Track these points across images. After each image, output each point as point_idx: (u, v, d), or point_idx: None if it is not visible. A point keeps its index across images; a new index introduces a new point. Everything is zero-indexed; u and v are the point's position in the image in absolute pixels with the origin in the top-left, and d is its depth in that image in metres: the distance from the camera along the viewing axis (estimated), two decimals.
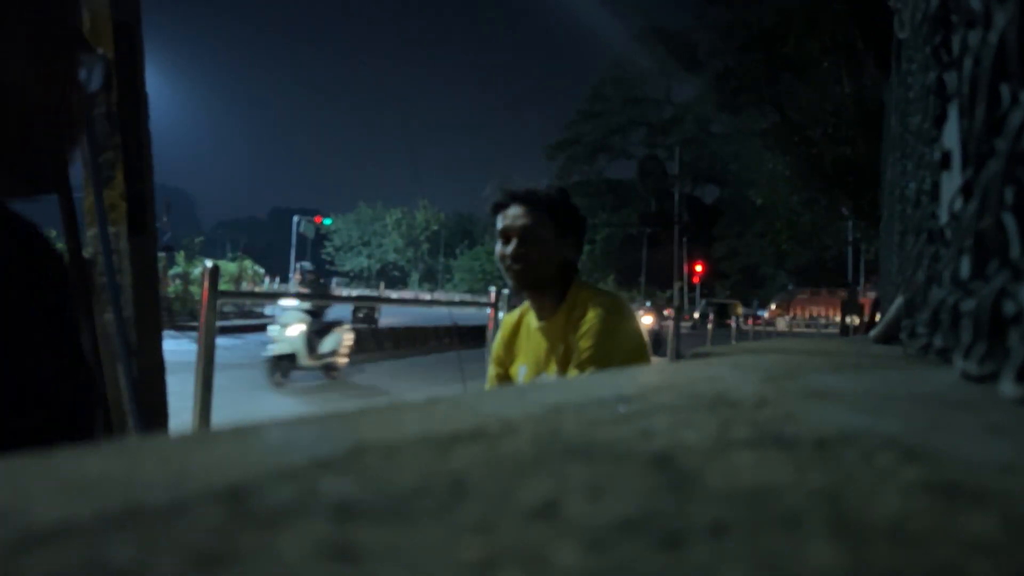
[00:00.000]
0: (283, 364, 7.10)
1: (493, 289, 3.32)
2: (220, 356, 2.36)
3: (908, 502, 0.18)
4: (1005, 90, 0.40)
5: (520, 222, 1.50)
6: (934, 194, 0.71)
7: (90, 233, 1.77)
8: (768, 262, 42.07)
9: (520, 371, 1.60)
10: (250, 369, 7.51)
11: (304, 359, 7.21)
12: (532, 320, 1.60)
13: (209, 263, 2.30)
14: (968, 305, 0.43)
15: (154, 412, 1.73)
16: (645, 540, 0.15)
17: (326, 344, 7.69)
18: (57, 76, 0.63)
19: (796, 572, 0.14)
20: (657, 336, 11.74)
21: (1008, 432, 0.27)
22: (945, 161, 0.61)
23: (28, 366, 0.51)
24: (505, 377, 1.65)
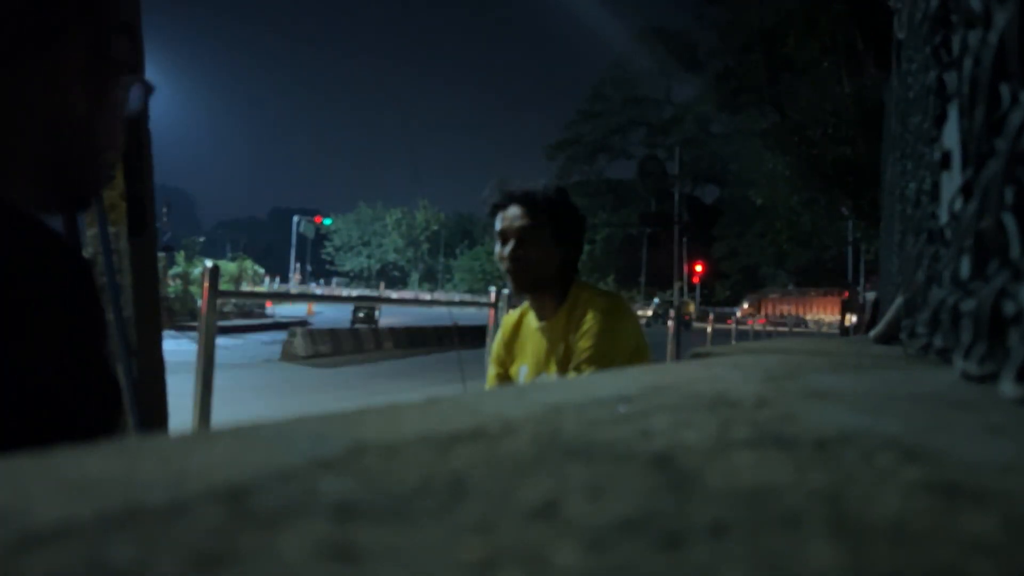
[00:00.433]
0: None
1: (493, 289, 3.32)
2: (220, 356, 2.36)
3: (908, 502, 0.18)
4: (1005, 90, 0.40)
5: (518, 223, 1.50)
6: (934, 194, 0.71)
7: (90, 233, 1.77)
8: (768, 262, 42.07)
9: (521, 371, 1.60)
10: (250, 369, 7.52)
11: None
12: (532, 320, 1.60)
13: (209, 263, 2.30)
14: (968, 305, 0.43)
15: (154, 412, 1.73)
16: (645, 540, 0.15)
17: None
18: (103, 97, 0.64)
19: (796, 572, 0.14)
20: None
21: (1008, 432, 0.27)
22: (945, 161, 0.61)
23: (32, 365, 0.51)
24: (505, 377, 1.65)
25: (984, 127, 0.43)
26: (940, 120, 0.65)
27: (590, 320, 1.46)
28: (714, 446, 0.24)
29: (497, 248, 1.54)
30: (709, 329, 9.86)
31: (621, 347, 1.46)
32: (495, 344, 1.72)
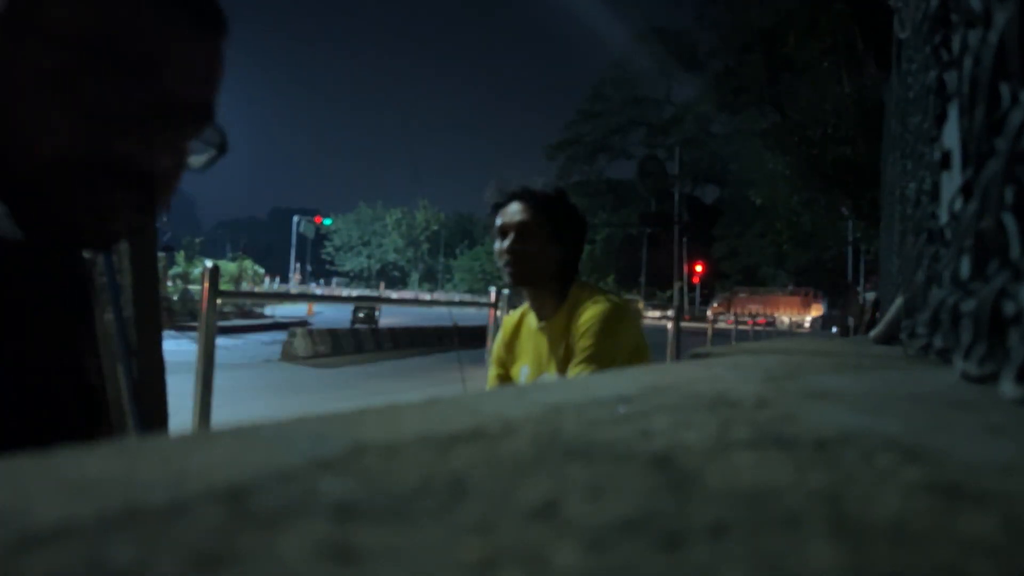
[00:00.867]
0: None
1: (493, 289, 3.32)
2: (220, 356, 2.36)
3: (908, 502, 0.18)
4: (1005, 90, 0.40)
5: (517, 218, 1.51)
6: (934, 194, 0.71)
7: None
8: (768, 262, 42.08)
9: (522, 372, 1.60)
10: (250, 369, 7.52)
11: None
12: (532, 321, 1.60)
13: (209, 263, 2.30)
14: (968, 305, 0.43)
15: (154, 412, 1.73)
16: (645, 540, 0.15)
17: None
18: (178, 150, 0.61)
19: (796, 572, 0.14)
20: None
21: (1008, 432, 0.27)
22: (945, 161, 0.61)
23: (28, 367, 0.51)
24: (506, 378, 1.66)
25: (984, 127, 0.43)
26: (940, 120, 0.65)
27: (590, 319, 1.46)
28: (714, 446, 0.24)
29: (496, 244, 1.55)
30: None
31: (621, 347, 1.46)
32: (496, 345, 1.72)
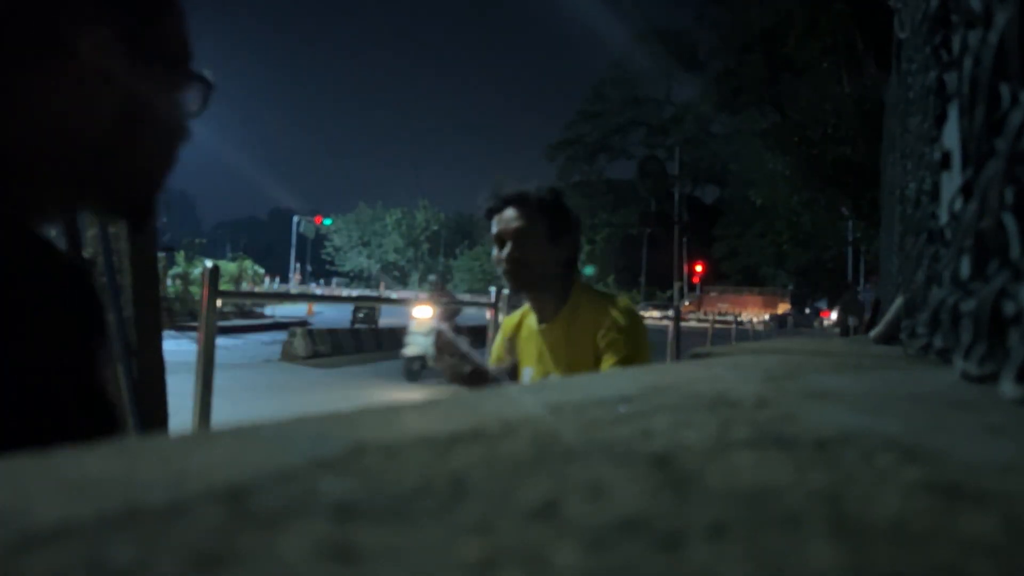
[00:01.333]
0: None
1: (493, 289, 3.32)
2: (220, 356, 2.36)
3: (908, 502, 0.18)
4: (1005, 90, 0.40)
5: (513, 225, 1.50)
6: (934, 194, 0.71)
7: (90, 233, 1.77)
8: (768, 262, 42.09)
9: (525, 373, 1.60)
10: (250, 369, 7.53)
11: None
12: (533, 322, 1.60)
13: (209, 263, 2.30)
14: (968, 305, 0.43)
15: (154, 412, 1.73)
16: (645, 540, 0.15)
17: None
18: (142, 97, 0.60)
19: (796, 572, 0.14)
20: None
21: (1008, 432, 0.27)
22: (945, 161, 0.61)
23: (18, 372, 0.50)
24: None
25: (984, 127, 0.43)
26: (940, 120, 0.65)
27: (616, 319, 1.47)
28: (714, 446, 0.24)
29: (494, 251, 1.55)
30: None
31: (643, 345, 1.48)
32: (495, 346, 1.72)
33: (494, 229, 1.55)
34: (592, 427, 0.27)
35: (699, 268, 43.24)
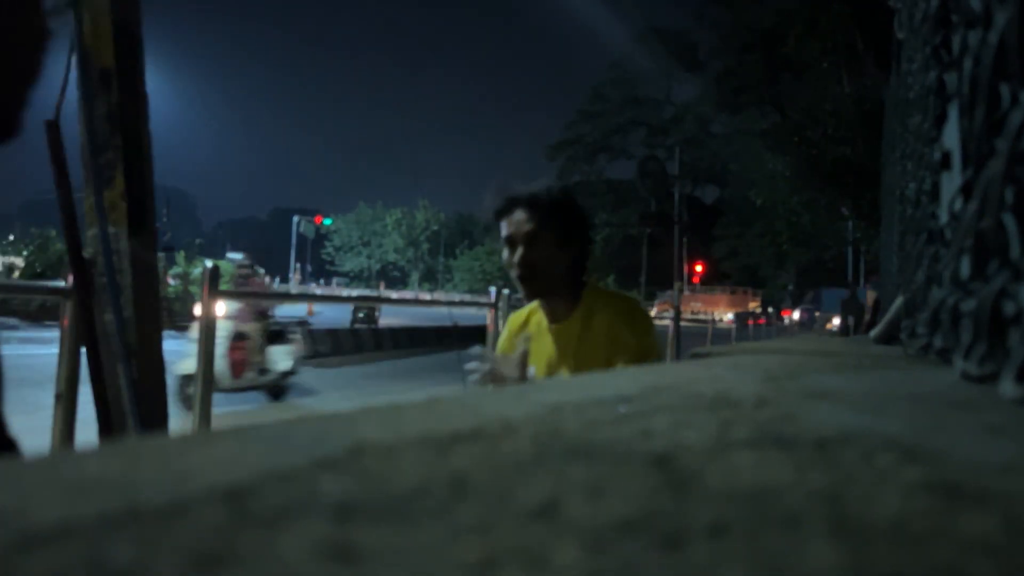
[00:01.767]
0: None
1: (493, 289, 3.32)
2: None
3: (908, 502, 0.18)
4: (1005, 90, 0.40)
5: (525, 227, 1.47)
6: (934, 194, 0.71)
7: (90, 233, 1.77)
8: (768, 262, 42.12)
9: (529, 372, 1.59)
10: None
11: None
12: (542, 321, 1.59)
13: (209, 263, 2.30)
14: (968, 305, 0.43)
15: (154, 412, 1.73)
16: (645, 540, 0.15)
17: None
18: (19, 4, 0.56)
19: (796, 572, 0.14)
20: None
21: (1008, 432, 0.27)
22: (945, 161, 0.61)
23: None
24: None
25: (984, 127, 0.43)
26: (940, 120, 0.65)
27: (639, 319, 1.48)
28: (714, 446, 0.24)
29: (505, 255, 1.51)
30: None
31: (656, 343, 1.49)
32: (500, 342, 1.71)
33: (504, 232, 1.50)
34: (592, 427, 0.27)
35: (699, 268, 43.28)
